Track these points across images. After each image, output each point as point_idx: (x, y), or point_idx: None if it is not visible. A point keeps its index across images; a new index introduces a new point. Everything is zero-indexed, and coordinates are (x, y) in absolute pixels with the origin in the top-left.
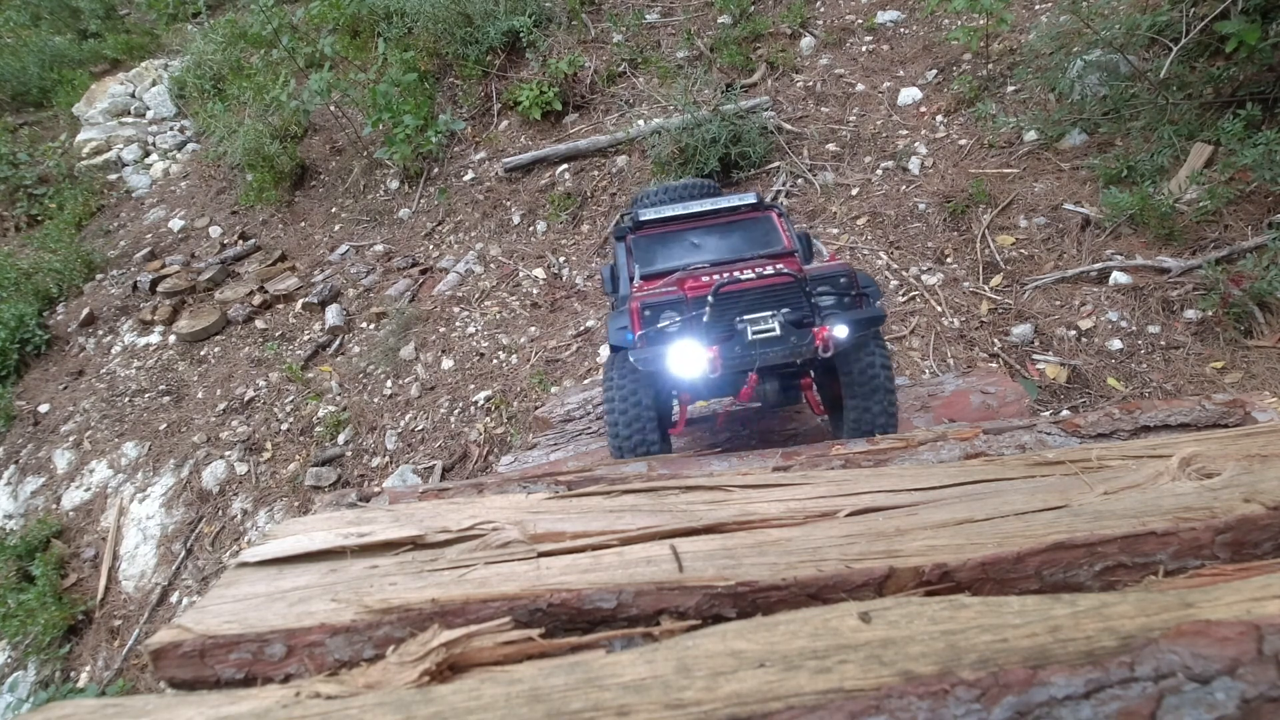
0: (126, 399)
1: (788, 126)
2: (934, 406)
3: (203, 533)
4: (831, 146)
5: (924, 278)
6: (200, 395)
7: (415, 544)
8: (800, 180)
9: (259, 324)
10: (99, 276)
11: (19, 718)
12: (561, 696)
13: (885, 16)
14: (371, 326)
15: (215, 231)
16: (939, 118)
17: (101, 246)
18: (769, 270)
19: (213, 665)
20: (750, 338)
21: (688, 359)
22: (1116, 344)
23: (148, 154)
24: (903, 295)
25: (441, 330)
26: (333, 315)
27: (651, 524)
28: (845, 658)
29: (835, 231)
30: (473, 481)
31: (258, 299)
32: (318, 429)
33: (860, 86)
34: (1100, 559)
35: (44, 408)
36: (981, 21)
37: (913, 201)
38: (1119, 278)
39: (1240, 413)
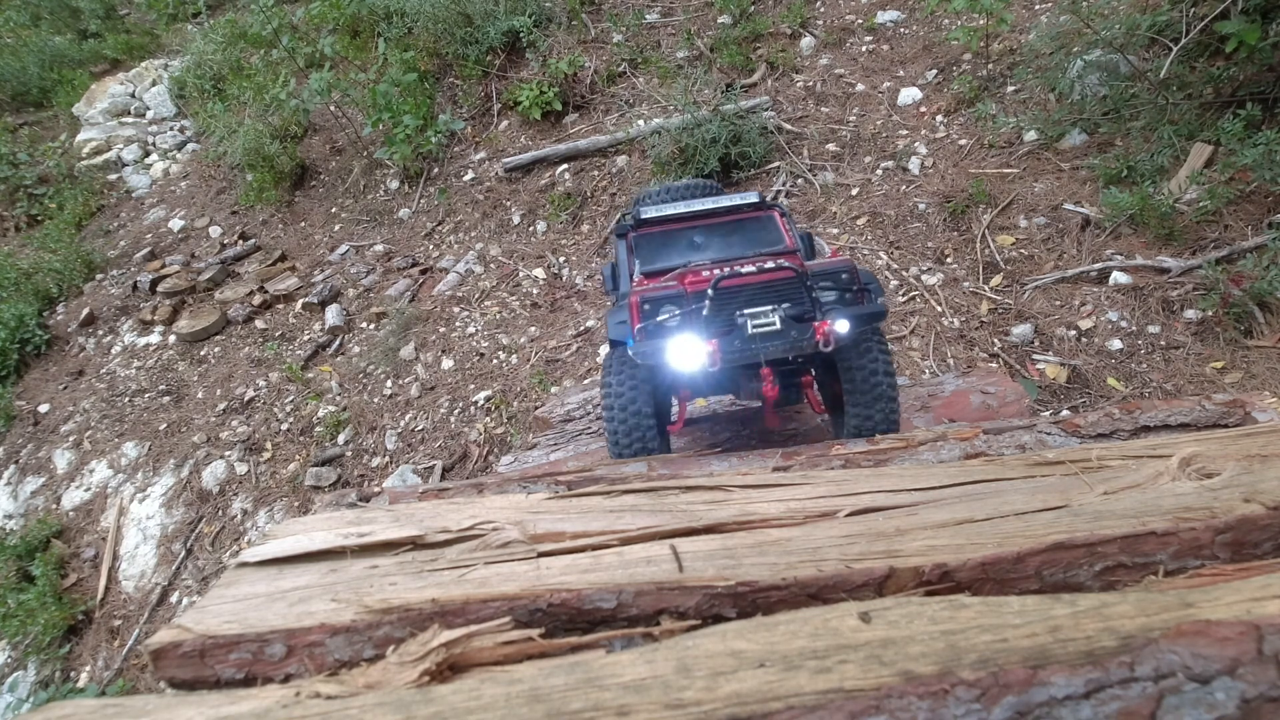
0: (126, 399)
1: (788, 126)
2: (934, 406)
3: (203, 533)
4: (831, 146)
5: (924, 278)
6: (200, 395)
7: (415, 544)
8: (800, 180)
9: (259, 324)
10: (99, 276)
11: (19, 718)
12: (561, 696)
13: (885, 16)
14: (371, 326)
15: (215, 231)
16: (939, 118)
17: (101, 246)
18: (769, 265)
19: (213, 665)
20: (750, 332)
21: (687, 353)
22: (1116, 344)
23: (148, 154)
24: (903, 295)
25: (441, 330)
26: (333, 315)
27: (651, 524)
28: (845, 658)
29: (835, 231)
30: (473, 481)
31: (258, 299)
32: (318, 429)
33: (860, 86)
34: (1100, 559)
35: (44, 408)
36: (981, 21)
37: (913, 201)
38: (1119, 278)
39: (1240, 413)
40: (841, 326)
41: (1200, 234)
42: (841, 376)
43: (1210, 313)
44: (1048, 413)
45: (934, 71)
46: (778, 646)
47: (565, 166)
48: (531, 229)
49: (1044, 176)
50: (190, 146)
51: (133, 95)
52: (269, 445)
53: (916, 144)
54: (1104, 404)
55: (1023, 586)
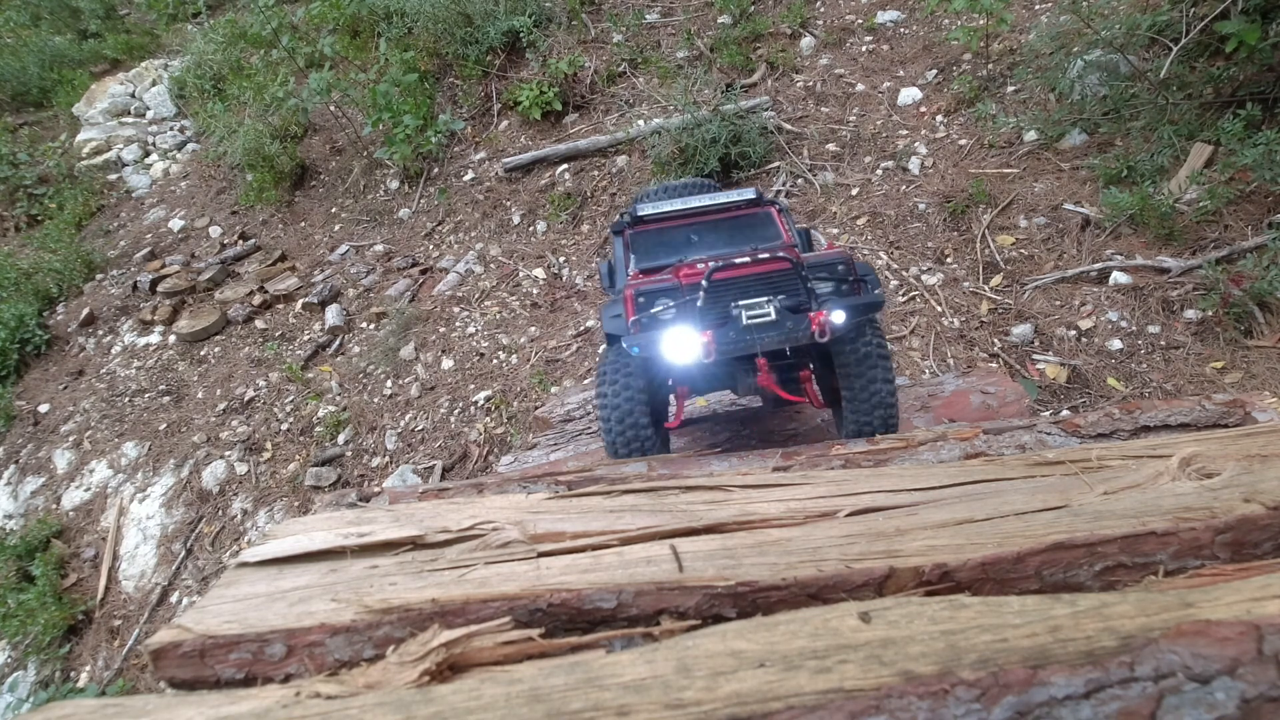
0: (126, 399)
1: (788, 126)
2: (934, 406)
3: (203, 533)
4: (831, 146)
5: (924, 278)
6: (200, 395)
7: (415, 544)
8: (800, 180)
9: (259, 324)
10: (99, 276)
11: (19, 718)
12: (561, 696)
13: (885, 16)
14: (371, 326)
15: (215, 231)
16: (939, 118)
17: (101, 246)
18: (764, 256)
19: (213, 665)
20: (745, 323)
21: (682, 344)
22: (1116, 344)
23: (148, 154)
24: (903, 295)
25: (441, 330)
26: (333, 315)
27: (651, 524)
28: (845, 658)
29: (835, 231)
30: (473, 481)
31: (258, 299)
32: (318, 429)
33: (860, 86)
34: (1100, 559)
35: (44, 408)
36: (981, 21)
37: (913, 201)
38: (1119, 278)
39: (1240, 413)
40: (838, 317)
41: (1200, 234)
42: (837, 369)
43: (1210, 313)
44: (1048, 413)
45: (934, 71)
46: (778, 646)
47: (565, 166)
48: (531, 229)
49: (1044, 176)
50: (190, 146)
51: (133, 95)
52: (269, 445)
53: (916, 144)
54: (1104, 404)
55: (1023, 586)
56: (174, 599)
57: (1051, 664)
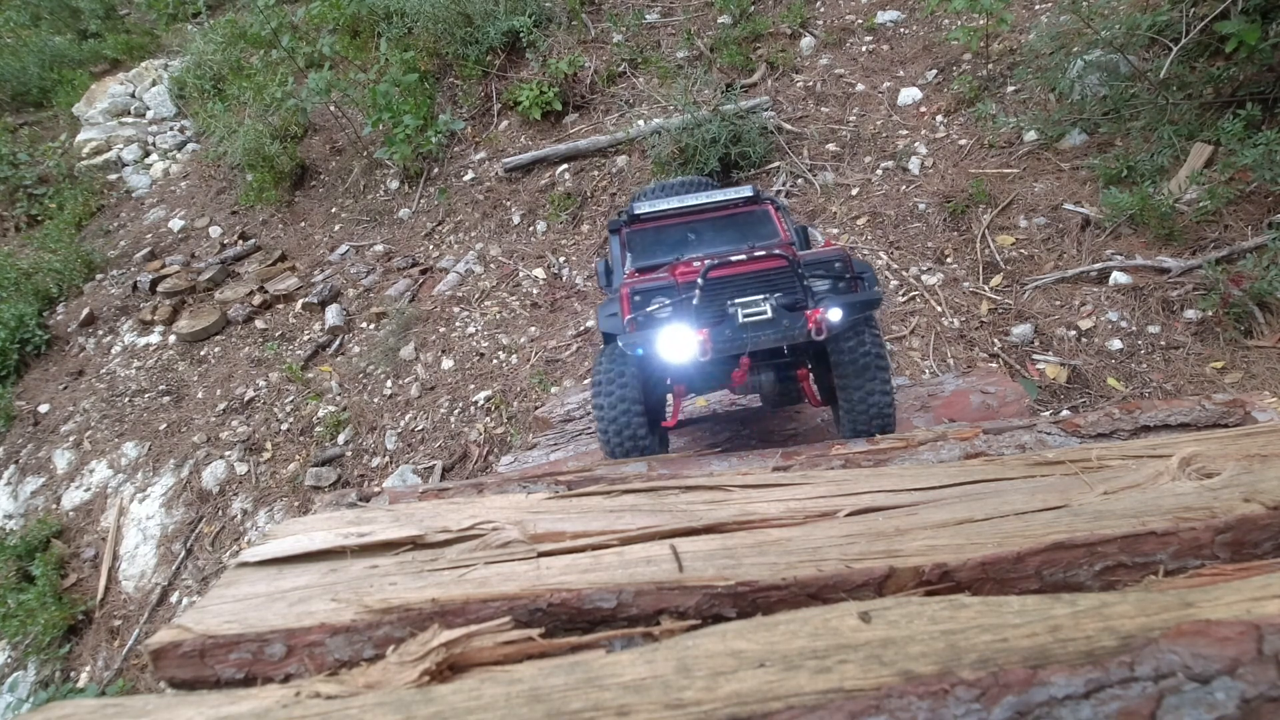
0: (126, 399)
1: (788, 126)
2: (934, 406)
3: (203, 533)
4: (831, 146)
5: (924, 278)
6: (200, 395)
7: (415, 544)
8: (800, 180)
9: (259, 324)
10: (99, 276)
11: (19, 718)
12: (561, 696)
13: (885, 16)
14: (371, 326)
15: (215, 231)
16: (939, 118)
17: (101, 246)
18: (760, 254)
19: (213, 665)
20: (741, 320)
21: (677, 343)
22: (1116, 344)
23: (148, 154)
24: (903, 295)
25: (441, 330)
26: (333, 315)
27: (651, 524)
28: (845, 658)
29: (835, 231)
30: (473, 481)
31: (258, 299)
32: (318, 429)
33: (860, 86)
34: (1100, 559)
35: (44, 408)
36: (981, 21)
37: (913, 201)
38: (1119, 278)
39: (1240, 413)
40: (834, 315)
41: (1200, 234)
42: (833, 367)
43: (1210, 313)
44: (1048, 413)
45: (934, 71)
46: (778, 646)
47: (565, 166)
48: (531, 229)
49: (1044, 176)
50: (190, 146)
51: (133, 95)
52: (269, 445)
53: (916, 144)
54: (1104, 404)
55: (1023, 586)
56: (174, 599)
57: (1051, 664)
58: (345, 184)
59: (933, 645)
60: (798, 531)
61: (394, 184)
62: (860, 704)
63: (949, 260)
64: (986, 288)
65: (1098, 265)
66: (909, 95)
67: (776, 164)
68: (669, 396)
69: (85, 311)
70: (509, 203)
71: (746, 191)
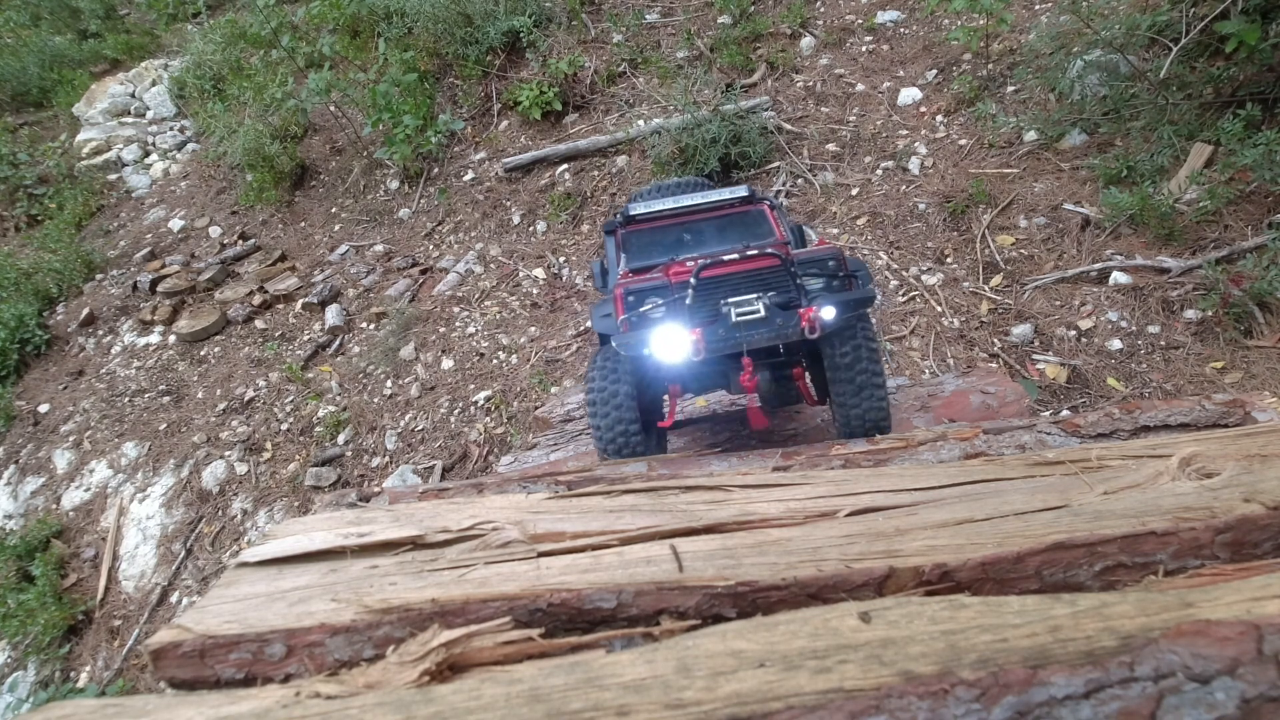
0: (126, 399)
1: (788, 126)
2: (934, 406)
3: (203, 533)
4: (831, 146)
5: (924, 278)
6: (200, 395)
7: (415, 544)
8: (800, 180)
9: (259, 324)
10: (99, 276)
11: (19, 718)
12: (561, 696)
13: (885, 16)
14: (371, 326)
15: (215, 231)
16: (939, 118)
17: (101, 246)
18: (753, 253)
19: (213, 665)
20: (734, 320)
21: (671, 343)
22: (1116, 344)
23: (148, 154)
24: (903, 295)
25: (441, 330)
26: (333, 315)
27: (651, 524)
28: (845, 658)
29: (835, 231)
30: (473, 481)
31: (258, 299)
32: (318, 429)
33: (860, 86)
34: (1100, 559)
35: (44, 408)
36: (981, 21)
37: (913, 201)
38: (1119, 278)
39: (1240, 413)
40: (828, 313)
41: (1200, 234)
42: (826, 366)
43: (1210, 313)
44: (1048, 413)
45: (934, 71)
46: (778, 646)
47: (565, 166)
48: (531, 229)
49: (1044, 176)
50: (190, 146)
51: (133, 95)
52: (269, 445)
53: (916, 144)
54: (1104, 404)
55: (1023, 586)
56: (174, 599)
57: (1051, 664)
58: (345, 184)
59: (933, 645)
60: (798, 531)
61: (394, 184)
62: (860, 704)
63: (949, 260)
64: (986, 288)
65: (1098, 265)
66: (909, 95)
67: (776, 164)
68: (665, 397)
69: (85, 311)
70: (509, 203)
71: (742, 191)
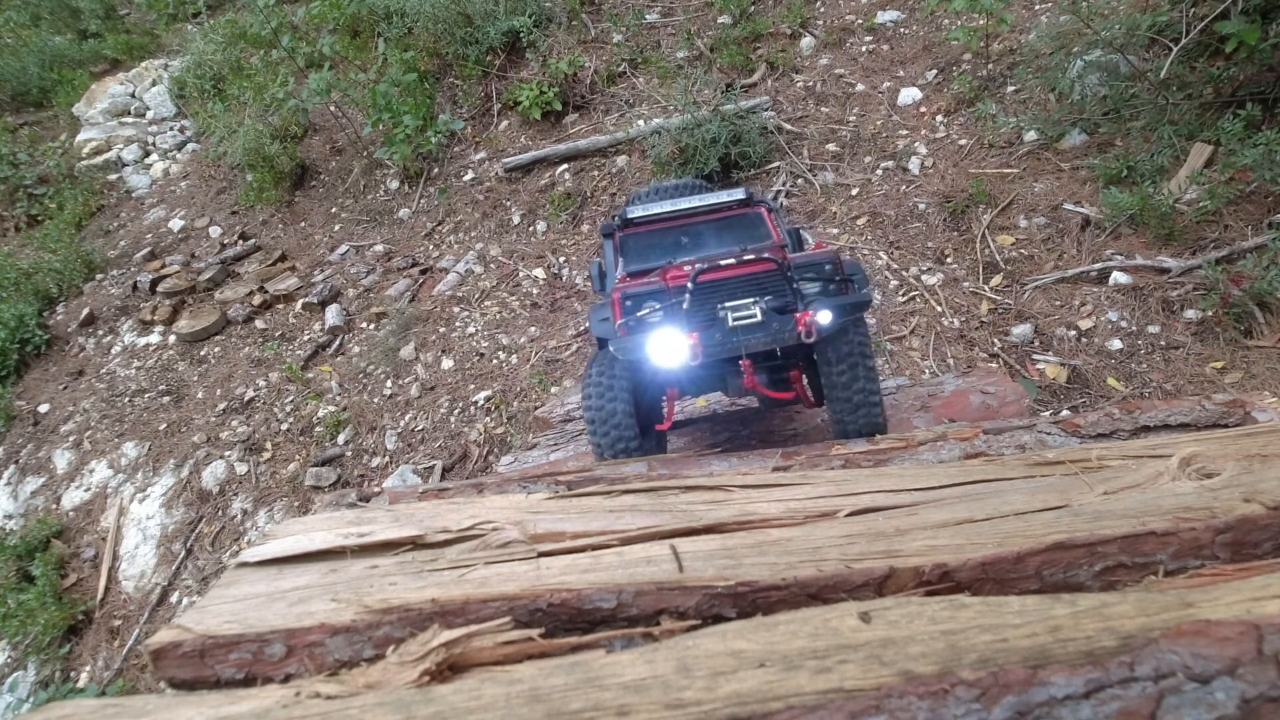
0: (126, 399)
1: (788, 126)
2: (934, 406)
3: (203, 533)
4: (831, 146)
5: (924, 278)
6: (200, 395)
7: (415, 544)
8: (800, 180)
9: (259, 324)
10: (99, 276)
11: (19, 718)
12: (561, 696)
13: (885, 16)
14: (371, 326)
15: (215, 231)
16: (939, 118)
17: (101, 246)
18: (750, 257)
19: (213, 665)
20: (731, 324)
21: (668, 347)
22: (1116, 344)
23: (148, 154)
24: (903, 295)
25: (441, 330)
26: (333, 315)
27: (651, 524)
28: (845, 658)
29: (835, 231)
30: (473, 481)
31: (258, 299)
32: (318, 429)
33: (860, 86)
34: (1100, 559)
35: (44, 408)
36: (981, 21)
37: (913, 201)
38: (1119, 278)
39: (1240, 413)
40: (824, 317)
41: (1200, 234)
42: (819, 369)
43: (1210, 313)
44: (1048, 413)
45: (934, 71)
46: (778, 646)
47: (565, 166)
48: (531, 229)
49: (1044, 176)
50: (190, 146)
51: (133, 95)
52: (269, 445)
53: (916, 144)
54: (1104, 404)
55: (1023, 586)
56: (174, 599)
57: (1051, 664)
58: (345, 184)
59: (933, 645)
60: (798, 531)
61: (394, 184)
62: (860, 704)
63: (949, 260)
64: (986, 288)
65: (1098, 265)
66: (909, 95)
67: (776, 164)
68: (664, 400)
69: (85, 311)
70: (509, 203)
71: (739, 194)
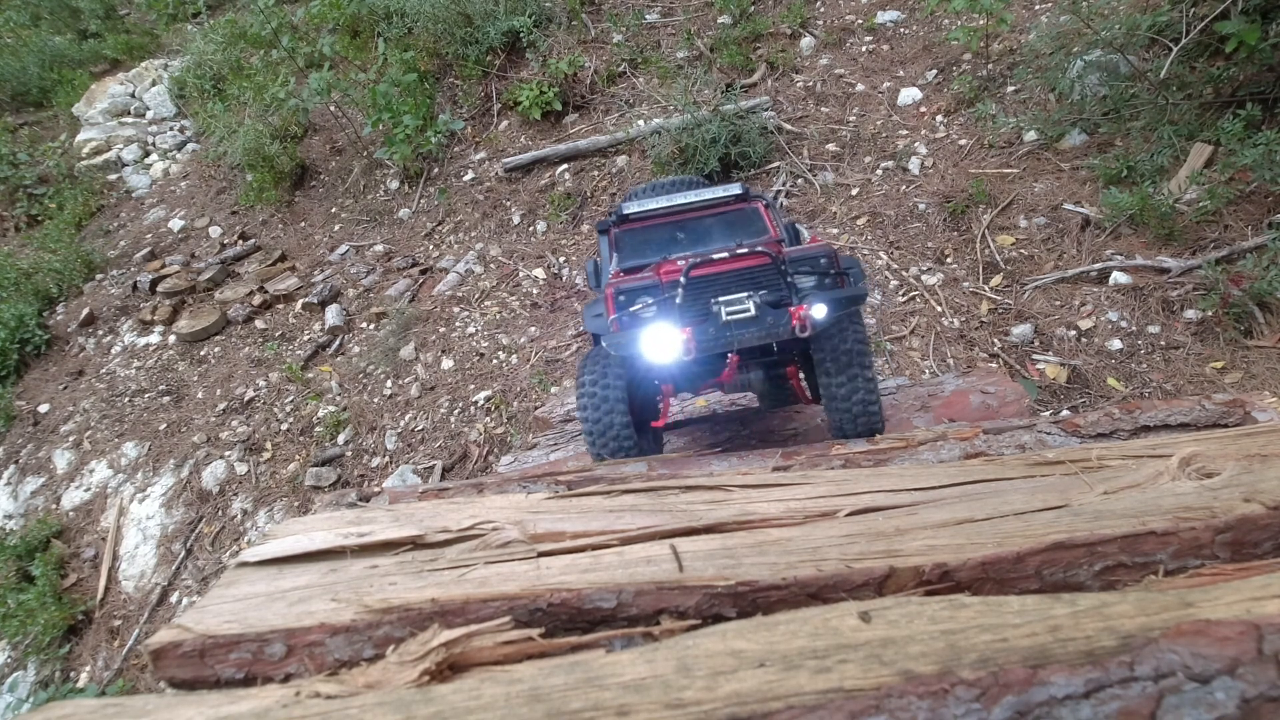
0: (126, 399)
1: (788, 126)
2: (934, 406)
3: (203, 533)
4: (831, 146)
5: (924, 278)
6: (200, 395)
7: (415, 544)
8: (800, 180)
9: (259, 324)
10: (99, 276)
11: (19, 718)
12: (561, 696)
13: (885, 16)
14: (371, 326)
15: (215, 231)
16: (939, 118)
17: (101, 246)
18: (743, 251)
19: (213, 665)
20: (725, 319)
21: (661, 342)
22: (1116, 344)
23: (148, 154)
24: (903, 295)
25: (441, 330)
26: (333, 315)
27: (651, 524)
28: (845, 657)
29: (835, 231)
30: (473, 481)
31: (258, 299)
32: (318, 429)
33: (860, 86)
34: (1100, 559)
35: (44, 408)
36: (981, 21)
37: (913, 201)
38: (1119, 278)
39: (1240, 412)
40: (818, 311)
41: (1200, 234)
42: (815, 365)
43: (1210, 313)
44: (1048, 413)
45: (934, 71)
46: (778, 646)
47: (565, 166)
48: (531, 229)
49: (1044, 176)
50: (190, 146)
51: (133, 95)
52: (269, 445)
53: (916, 144)
54: (1104, 404)
55: (1023, 586)
56: (174, 599)
57: (1051, 664)
58: (345, 184)
59: (933, 645)
60: (798, 531)
61: (394, 184)
62: (860, 704)
63: (949, 260)
64: (986, 288)
65: (1098, 265)
66: (909, 95)
67: (776, 164)
68: (659, 396)
69: (85, 311)
70: (509, 203)
71: (735, 189)
